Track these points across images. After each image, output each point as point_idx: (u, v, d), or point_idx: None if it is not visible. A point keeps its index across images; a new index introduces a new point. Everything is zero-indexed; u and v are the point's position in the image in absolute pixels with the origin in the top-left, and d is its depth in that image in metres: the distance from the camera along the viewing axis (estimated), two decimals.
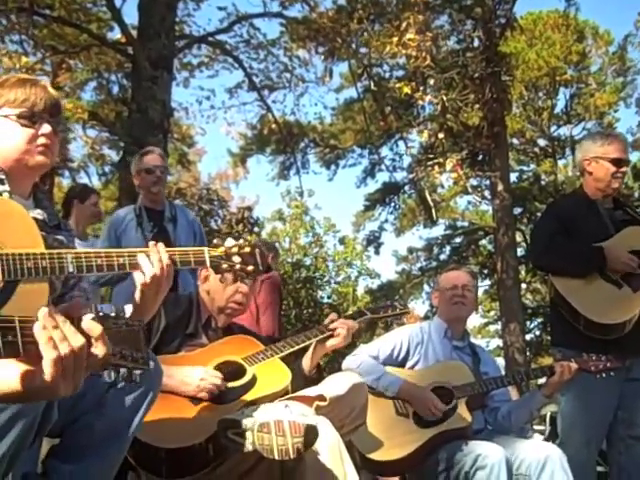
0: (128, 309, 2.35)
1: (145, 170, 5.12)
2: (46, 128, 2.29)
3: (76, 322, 1.35)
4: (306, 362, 3.21)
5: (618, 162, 4.01)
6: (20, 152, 2.27)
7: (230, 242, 2.47)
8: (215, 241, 2.48)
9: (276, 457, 2.48)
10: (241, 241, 2.51)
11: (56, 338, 1.29)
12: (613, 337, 3.80)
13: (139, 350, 1.48)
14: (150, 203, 5.22)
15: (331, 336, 3.16)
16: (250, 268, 2.46)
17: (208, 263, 2.40)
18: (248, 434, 2.52)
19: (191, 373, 2.80)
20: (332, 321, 3.21)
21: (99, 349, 1.37)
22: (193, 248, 2.43)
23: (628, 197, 19.03)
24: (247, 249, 2.48)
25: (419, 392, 3.65)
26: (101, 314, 1.42)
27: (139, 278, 2.25)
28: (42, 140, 2.29)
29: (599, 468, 4.78)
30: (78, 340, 1.33)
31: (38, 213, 2.31)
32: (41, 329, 1.28)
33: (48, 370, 1.29)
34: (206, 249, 2.41)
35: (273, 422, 2.50)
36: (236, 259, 2.44)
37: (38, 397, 1.38)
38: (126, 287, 4.40)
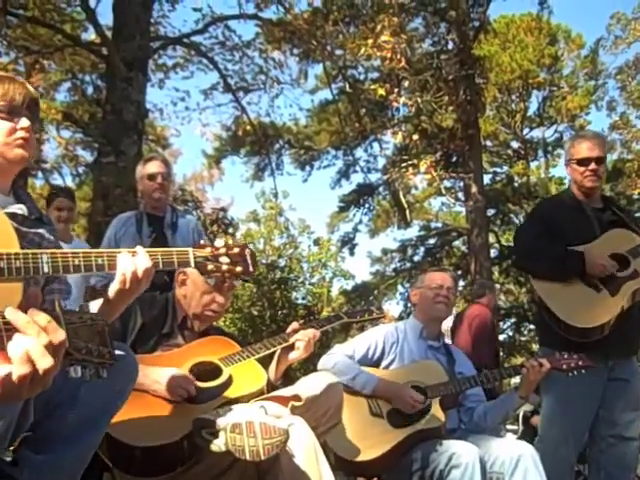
0: (93, 306, 2.34)
1: (147, 176, 5.10)
2: (24, 122, 2.28)
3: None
4: (271, 372, 3.22)
5: (585, 162, 4.05)
6: None
7: (219, 242, 2.43)
8: (202, 242, 2.43)
9: (247, 458, 2.48)
10: (231, 241, 2.46)
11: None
12: (593, 339, 3.83)
13: (105, 345, 1.47)
14: (152, 209, 5.20)
15: (292, 346, 3.17)
16: (239, 269, 2.42)
17: (192, 264, 2.35)
18: (221, 434, 2.52)
19: (165, 374, 2.78)
20: (293, 331, 3.21)
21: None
22: (177, 249, 2.38)
23: None
24: (236, 250, 2.44)
25: (396, 388, 3.67)
26: (65, 309, 1.41)
27: (117, 277, 2.24)
28: (21, 134, 2.28)
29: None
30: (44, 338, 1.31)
31: (18, 208, 2.29)
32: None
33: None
34: (191, 250, 2.36)
35: (244, 423, 2.51)
36: (224, 260, 2.40)
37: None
38: None
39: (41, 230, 2.32)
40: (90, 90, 15.93)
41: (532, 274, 4.13)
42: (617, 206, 4.32)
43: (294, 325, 3.29)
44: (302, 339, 3.15)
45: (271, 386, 3.14)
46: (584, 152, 4.07)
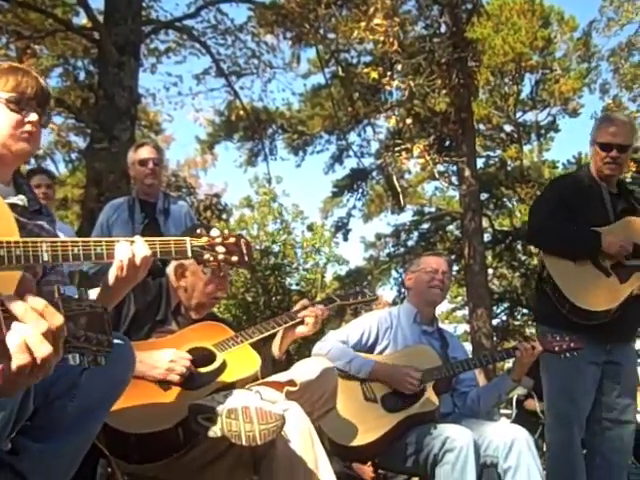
0: (92, 294, 2.34)
1: (139, 162, 5.10)
2: (33, 116, 2.30)
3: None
4: (275, 348, 3.23)
5: (606, 147, 3.93)
6: (4, 136, 2.27)
7: (215, 232, 2.44)
8: (198, 231, 2.44)
9: (244, 443, 2.49)
10: (226, 231, 2.48)
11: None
12: (595, 323, 3.82)
13: (104, 332, 1.46)
14: (144, 195, 5.20)
15: (301, 323, 3.18)
16: (234, 259, 2.44)
17: (190, 253, 2.37)
18: (217, 420, 2.53)
19: (160, 356, 2.79)
20: (303, 308, 3.22)
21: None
22: (175, 238, 2.40)
23: None
24: (232, 239, 2.46)
25: (392, 369, 3.69)
26: (64, 296, 1.40)
27: (114, 263, 2.24)
28: (28, 127, 2.29)
29: None
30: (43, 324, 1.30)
31: (19, 199, 2.31)
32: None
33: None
34: (188, 239, 2.38)
35: (240, 408, 2.52)
36: (220, 249, 2.42)
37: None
38: None
39: (41, 222, 2.32)
40: (82, 75, 15.85)
41: (545, 250, 4.05)
42: (630, 192, 4.20)
43: (304, 301, 3.32)
44: (311, 315, 3.16)
45: (273, 362, 3.17)
46: (607, 137, 3.94)
